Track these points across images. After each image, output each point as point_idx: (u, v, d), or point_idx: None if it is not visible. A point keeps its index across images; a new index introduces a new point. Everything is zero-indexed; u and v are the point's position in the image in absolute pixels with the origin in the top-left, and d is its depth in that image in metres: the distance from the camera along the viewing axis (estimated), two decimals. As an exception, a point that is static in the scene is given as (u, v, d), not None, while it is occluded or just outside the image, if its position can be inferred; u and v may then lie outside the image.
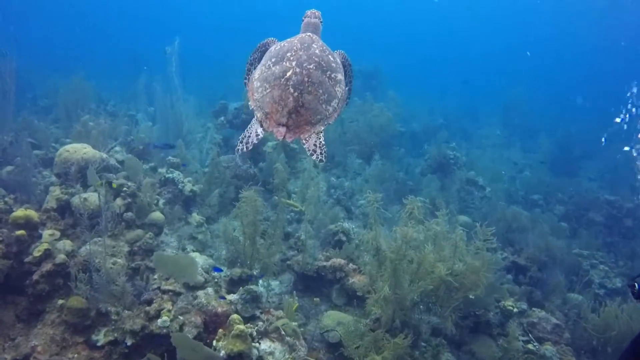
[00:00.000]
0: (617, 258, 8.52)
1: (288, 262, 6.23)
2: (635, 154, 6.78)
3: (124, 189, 5.92)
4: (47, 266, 4.69)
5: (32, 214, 5.09)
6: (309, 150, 2.26)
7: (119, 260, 5.17)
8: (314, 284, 6.05)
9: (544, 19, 36.78)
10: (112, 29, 34.88)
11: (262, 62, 2.39)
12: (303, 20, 2.59)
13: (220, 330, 4.42)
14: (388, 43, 37.03)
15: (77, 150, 6.26)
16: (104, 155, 6.62)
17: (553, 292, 6.57)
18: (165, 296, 4.81)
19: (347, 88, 2.54)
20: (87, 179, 5.55)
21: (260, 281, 5.61)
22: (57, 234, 5.24)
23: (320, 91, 2.20)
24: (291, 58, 2.22)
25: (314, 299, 5.80)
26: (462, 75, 22.56)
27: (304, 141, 2.28)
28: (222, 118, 9.76)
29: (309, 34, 2.42)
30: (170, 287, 4.91)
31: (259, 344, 4.42)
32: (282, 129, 2.19)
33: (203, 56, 22.47)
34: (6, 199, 5.53)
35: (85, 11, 38.09)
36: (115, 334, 4.45)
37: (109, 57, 21.37)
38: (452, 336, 5.14)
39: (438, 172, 10.58)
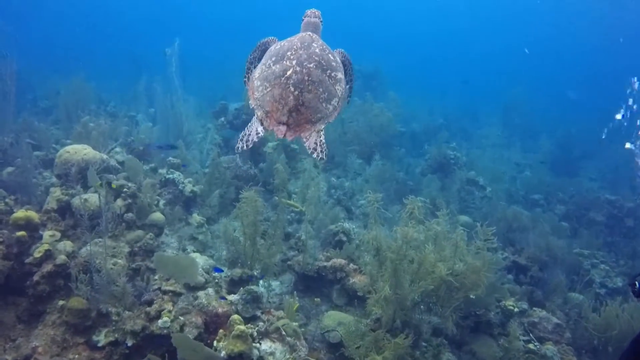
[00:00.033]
0: (617, 257, 8.52)
1: (288, 263, 6.23)
2: (636, 150, 6.75)
3: (125, 189, 5.92)
4: (47, 267, 4.69)
5: (33, 215, 5.09)
6: (310, 148, 2.26)
7: (119, 261, 5.17)
8: (315, 284, 6.05)
9: (544, 19, 36.75)
10: (112, 30, 34.86)
11: (262, 61, 2.40)
12: (303, 20, 2.59)
13: (221, 330, 4.42)
14: (388, 43, 37.03)
15: (78, 151, 6.26)
16: (105, 156, 6.62)
17: (554, 291, 6.56)
18: (165, 297, 4.81)
19: (347, 86, 2.54)
20: (87, 180, 5.54)
21: (261, 281, 5.60)
22: (58, 234, 5.24)
23: (321, 90, 2.20)
24: (291, 57, 2.22)
25: (315, 299, 5.79)
26: (462, 75, 22.54)
27: (304, 140, 2.28)
28: (223, 119, 9.75)
29: (309, 33, 2.43)
30: (171, 288, 4.91)
31: (260, 344, 4.42)
32: (283, 128, 2.19)
33: (203, 57, 22.43)
34: (7, 200, 5.53)
35: (85, 12, 38.10)
36: (116, 335, 4.45)
37: (109, 58, 21.38)
38: (453, 336, 5.13)
39: (438, 172, 10.57)
